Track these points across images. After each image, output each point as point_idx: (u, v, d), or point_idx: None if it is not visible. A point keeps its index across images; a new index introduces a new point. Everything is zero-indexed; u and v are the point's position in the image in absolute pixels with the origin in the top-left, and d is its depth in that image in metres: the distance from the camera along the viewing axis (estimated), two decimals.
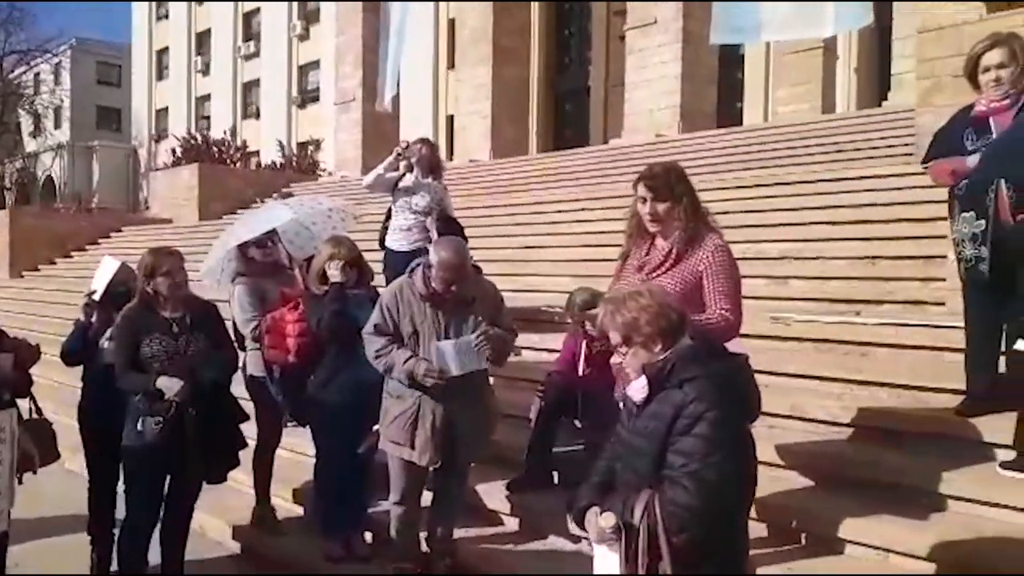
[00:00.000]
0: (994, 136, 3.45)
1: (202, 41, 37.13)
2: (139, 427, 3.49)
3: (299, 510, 4.55)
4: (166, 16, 39.38)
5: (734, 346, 2.64)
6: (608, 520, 2.17)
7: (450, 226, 5.64)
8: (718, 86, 16.66)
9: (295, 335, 3.91)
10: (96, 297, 4.08)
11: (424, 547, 3.74)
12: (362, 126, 22.11)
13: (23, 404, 3.80)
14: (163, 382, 3.46)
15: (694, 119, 15.64)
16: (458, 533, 3.82)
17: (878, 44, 14.90)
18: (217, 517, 4.45)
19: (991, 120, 3.49)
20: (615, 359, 2.38)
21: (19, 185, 42.68)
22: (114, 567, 3.83)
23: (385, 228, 6.11)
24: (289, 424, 4.35)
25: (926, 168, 3.84)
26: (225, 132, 24.45)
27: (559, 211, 9.79)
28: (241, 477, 4.21)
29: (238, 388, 4.00)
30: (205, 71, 36.66)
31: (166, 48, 39.33)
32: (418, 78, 23.22)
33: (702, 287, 2.83)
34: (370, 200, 10.81)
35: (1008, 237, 3.35)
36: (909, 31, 11.63)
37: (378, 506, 4.09)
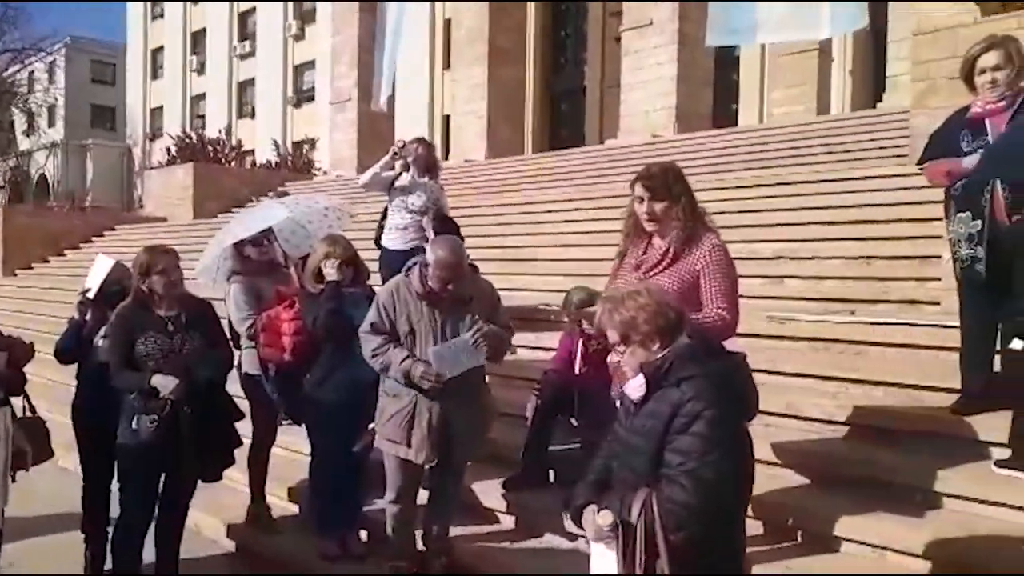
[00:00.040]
0: (990, 138, 3.46)
1: (197, 40, 37.07)
2: (134, 425, 3.47)
3: (294, 508, 4.54)
4: (161, 15, 39.30)
5: (730, 345, 2.64)
6: (606, 518, 2.17)
7: (446, 225, 5.63)
8: (713, 87, 16.70)
9: (291, 333, 3.90)
10: (90, 295, 4.06)
11: (420, 545, 3.74)
12: (358, 126, 22.09)
13: (17, 402, 3.79)
14: (158, 380, 3.44)
15: (690, 120, 15.68)
16: (454, 531, 3.81)
17: (873, 46, 14.95)
18: (212, 515, 4.44)
19: (987, 122, 3.51)
20: (613, 357, 2.38)
21: (12, 183, 42.56)
22: (108, 566, 3.82)
23: (381, 227, 6.10)
24: (284, 422, 4.34)
25: (922, 169, 3.86)
26: (220, 131, 24.40)
27: (554, 211, 9.79)
28: (236, 475, 4.20)
29: (233, 386, 3.99)
30: (200, 70, 36.60)
31: (161, 47, 39.25)
32: (414, 78, 23.23)
33: (699, 286, 2.83)
34: (366, 199, 10.79)
35: (1003, 237, 3.37)
36: (904, 33, 11.68)
37: (374, 504, 4.08)
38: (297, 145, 27.22)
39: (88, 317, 4.04)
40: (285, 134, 30.12)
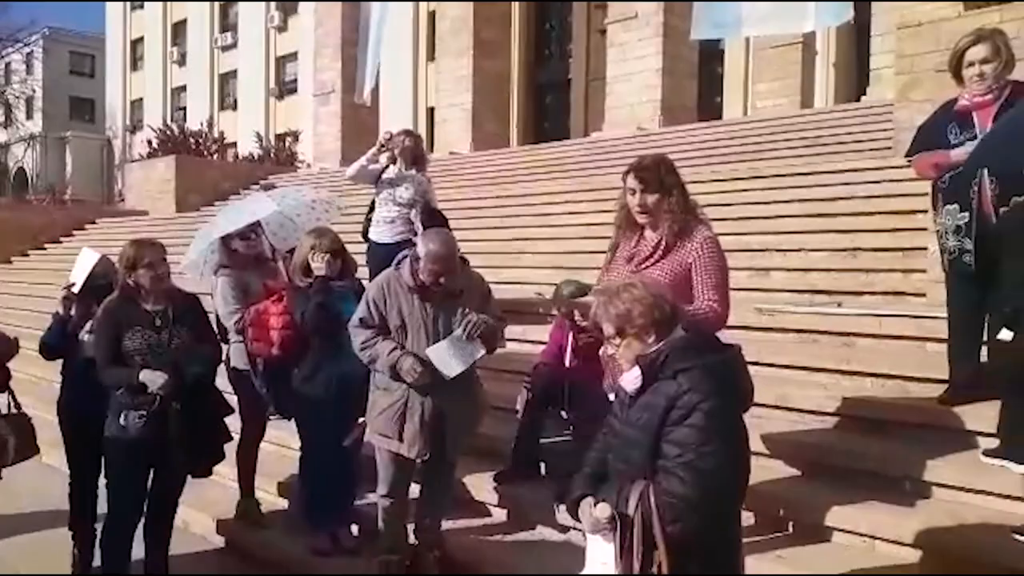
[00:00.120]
0: (977, 131, 3.49)
1: (178, 31, 36.59)
2: (122, 421, 3.43)
3: (284, 504, 4.52)
4: (141, 6, 38.72)
5: (720, 337, 2.65)
6: (603, 511, 2.17)
7: (434, 218, 5.59)
8: (698, 80, 16.76)
9: (279, 328, 3.87)
10: (75, 290, 4.00)
11: (412, 539, 3.73)
12: (342, 118, 21.91)
13: (1, 399, 3.73)
14: (146, 375, 3.40)
15: (674, 113, 15.72)
16: (446, 525, 3.81)
17: (856, 40, 15.05)
18: (201, 511, 4.40)
19: (974, 115, 3.54)
20: (607, 350, 2.38)
21: None
22: (96, 563, 3.78)
23: (368, 220, 6.06)
24: (273, 417, 4.31)
25: (910, 161, 3.89)
26: (202, 123, 24.12)
27: (541, 203, 9.78)
28: (225, 471, 4.16)
29: (221, 381, 3.95)
30: (181, 62, 36.15)
31: (141, 38, 38.70)
32: (398, 70, 23.09)
33: (691, 278, 2.84)
34: (350, 192, 10.73)
35: (991, 230, 3.40)
36: (887, 27, 11.77)
37: (365, 498, 4.07)
38: (280, 138, 26.94)
39: (73, 312, 3.99)
40: (268, 126, 29.83)
